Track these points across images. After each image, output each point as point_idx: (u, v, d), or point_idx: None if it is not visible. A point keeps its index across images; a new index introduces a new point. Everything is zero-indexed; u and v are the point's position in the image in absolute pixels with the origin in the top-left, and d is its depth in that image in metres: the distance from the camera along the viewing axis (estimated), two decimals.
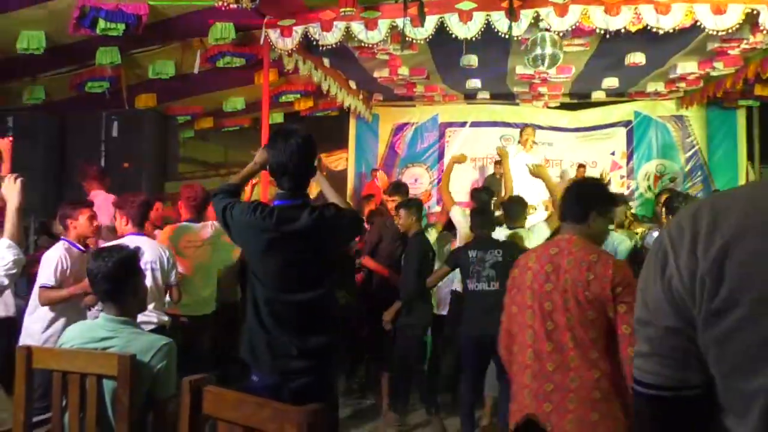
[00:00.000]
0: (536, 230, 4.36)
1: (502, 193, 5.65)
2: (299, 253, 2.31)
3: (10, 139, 3.89)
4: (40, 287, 3.44)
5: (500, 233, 4.36)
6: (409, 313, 4.42)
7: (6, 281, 2.57)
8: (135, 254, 2.33)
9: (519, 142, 7.59)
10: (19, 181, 2.64)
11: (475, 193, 5.87)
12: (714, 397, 0.93)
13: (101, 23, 4.86)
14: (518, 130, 9.36)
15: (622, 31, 5.13)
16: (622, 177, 9.16)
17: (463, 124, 9.60)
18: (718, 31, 5.09)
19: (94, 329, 2.25)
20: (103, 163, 6.06)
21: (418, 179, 9.56)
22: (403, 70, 7.27)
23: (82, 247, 3.66)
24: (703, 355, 0.93)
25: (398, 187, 5.53)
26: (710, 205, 0.96)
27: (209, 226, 4.29)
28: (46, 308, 3.46)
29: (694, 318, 0.92)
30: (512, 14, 4.97)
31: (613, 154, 9.29)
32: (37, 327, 3.48)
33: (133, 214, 3.76)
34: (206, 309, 4.20)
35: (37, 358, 2.16)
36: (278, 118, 8.67)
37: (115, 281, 2.21)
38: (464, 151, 9.02)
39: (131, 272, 2.27)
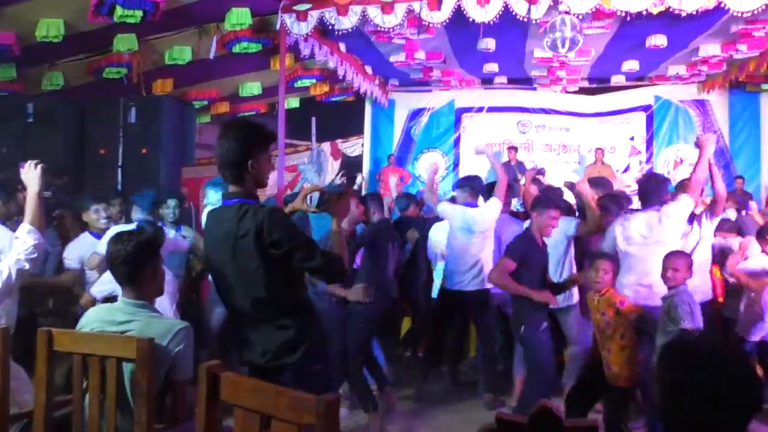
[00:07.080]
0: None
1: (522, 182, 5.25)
2: (223, 257, 2.17)
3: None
4: None
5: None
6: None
7: (27, 266, 2.60)
8: (154, 238, 2.34)
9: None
10: (39, 167, 2.66)
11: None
12: None
13: (119, 10, 4.88)
14: (535, 115, 9.38)
15: (644, 13, 5.03)
16: (641, 162, 9.06)
17: (479, 110, 9.53)
18: (742, 13, 4.98)
19: (113, 312, 2.26)
20: (121, 149, 6.07)
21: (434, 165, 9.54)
22: (420, 55, 7.21)
23: None
24: None
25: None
26: None
27: None
28: None
29: None
30: None
31: (632, 139, 9.17)
32: None
33: None
34: None
35: (58, 341, 2.19)
36: (294, 103, 8.67)
37: (134, 264, 2.23)
38: (480, 137, 9.04)
39: (150, 256, 2.28)
